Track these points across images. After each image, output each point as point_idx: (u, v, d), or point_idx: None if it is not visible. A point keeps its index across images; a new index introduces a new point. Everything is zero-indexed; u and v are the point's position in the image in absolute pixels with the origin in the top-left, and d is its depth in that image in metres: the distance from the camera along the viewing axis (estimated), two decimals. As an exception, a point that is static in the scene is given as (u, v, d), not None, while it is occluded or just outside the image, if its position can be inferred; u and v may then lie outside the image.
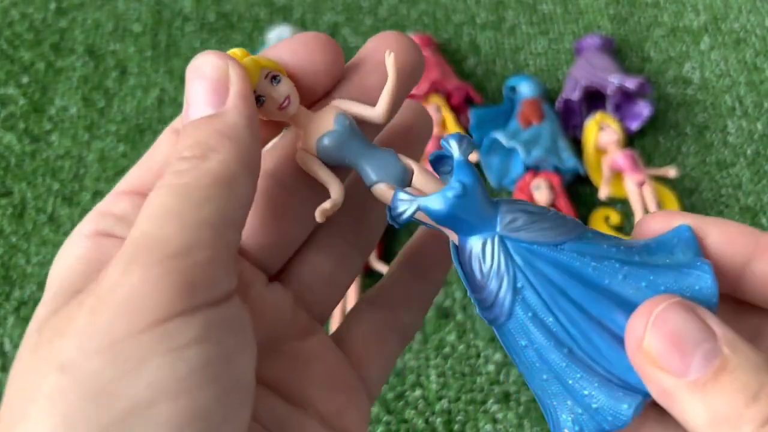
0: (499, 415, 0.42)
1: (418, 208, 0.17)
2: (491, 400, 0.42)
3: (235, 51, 0.18)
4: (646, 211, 0.48)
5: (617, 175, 0.49)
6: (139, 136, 0.53)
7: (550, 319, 0.17)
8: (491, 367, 0.43)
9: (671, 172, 0.49)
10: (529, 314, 0.17)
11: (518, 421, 0.41)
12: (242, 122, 0.16)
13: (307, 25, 0.59)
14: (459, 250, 0.18)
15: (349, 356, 0.20)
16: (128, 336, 0.13)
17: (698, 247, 0.17)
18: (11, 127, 0.54)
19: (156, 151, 0.19)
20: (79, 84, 0.56)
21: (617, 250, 0.17)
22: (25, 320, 0.45)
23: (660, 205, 0.48)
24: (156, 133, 0.53)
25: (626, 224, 0.49)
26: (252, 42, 0.58)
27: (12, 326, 0.45)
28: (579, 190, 0.50)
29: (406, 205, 0.17)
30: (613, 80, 0.50)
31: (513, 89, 0.52)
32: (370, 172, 0.18)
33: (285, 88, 0.18)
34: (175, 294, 0.14)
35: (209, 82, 0.17)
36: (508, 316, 0.17)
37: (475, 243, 0.17)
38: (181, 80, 0.56)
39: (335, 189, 0.18)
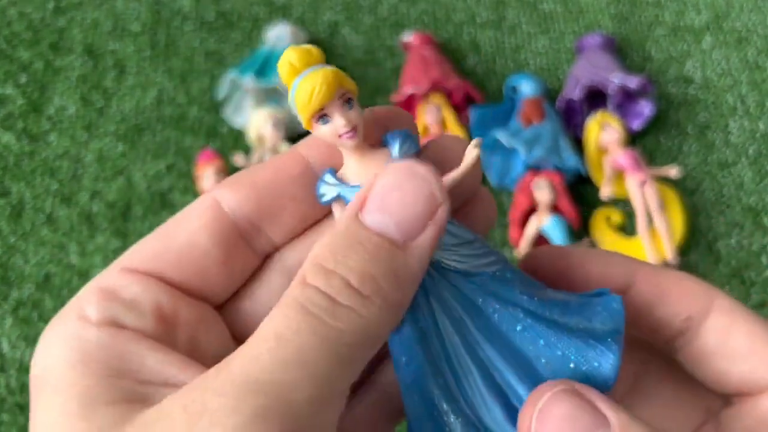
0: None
1: (338, 195, 0.16)
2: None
3: (311, 49, 0.16)
4: (647, 211, 0.47)
5: (619, 174, 0.49)
6: (137, 136, 0.53)
7: (437, 346, 0.16)
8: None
9: (673, 171, 0.48)
10: (417, 334, 0.16)
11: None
12: (422, 267, 0.14)
13: (306, 23, 0.59)
14: None
15: None
16: None
17: (621, 322, 0.16)
18: (9, 127, 0.53)
19: (182, 225, 0.16)
20: (77, 83, 0.55)
21: (529, 300, 0.16)
22: (23, 321, 0.45)
23: (662, 205, 0.48)
24: (155, 133, 0.53)
25: (628, 224, 0.49)
26: (251, 41, 0.58)
27: (10, 327, 0.45)
28: (580, 190, 0.50)
29: (327, 189, 0.16)
30: (615, 79, 0.49)
31: (514, 88, 0.52)
32: None
33: (355, 115, 0.16)
34: None
35: (415, 204, 0.14)
36: (398, 328, 0.16)
37: None
38: (181, 79, 0.56)
39: None
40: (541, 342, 0.16)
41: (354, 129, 0.16)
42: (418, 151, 0.17)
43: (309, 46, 0.16)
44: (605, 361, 0.15)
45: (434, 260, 0.16)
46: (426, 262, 0.14)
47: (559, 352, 0.16)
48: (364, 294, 0.13)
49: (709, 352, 0.17)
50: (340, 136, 0.16)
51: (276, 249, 0.17)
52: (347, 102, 0.16)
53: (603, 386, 0.15)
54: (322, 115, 0.16)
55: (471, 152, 0.16)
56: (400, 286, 0.14)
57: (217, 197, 0.16)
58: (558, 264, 0.18)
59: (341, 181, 0.16)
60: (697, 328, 0.17)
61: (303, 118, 0.16)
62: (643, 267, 0.18)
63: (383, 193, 0.14)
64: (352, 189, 0.16)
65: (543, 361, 0.16)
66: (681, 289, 0.17)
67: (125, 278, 0.15)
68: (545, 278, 0.18)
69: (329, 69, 0.16)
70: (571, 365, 0.16)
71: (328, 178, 0.17)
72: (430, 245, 0.14)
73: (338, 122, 0.15)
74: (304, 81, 0.15)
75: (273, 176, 0.16)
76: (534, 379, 0.16)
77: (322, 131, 0.16)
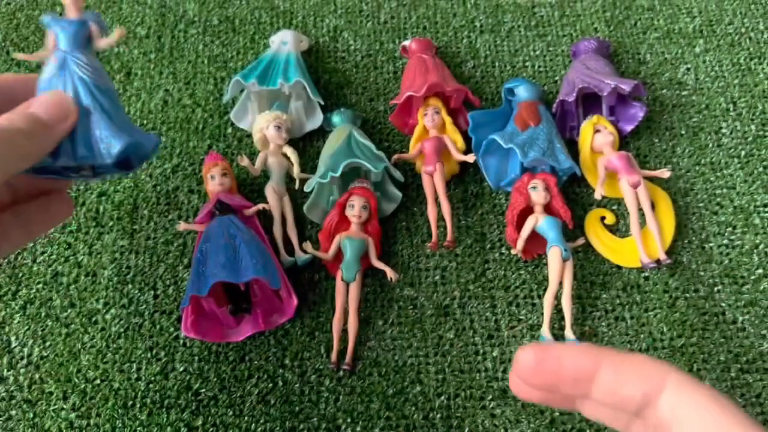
0: (497, 411, 0.43)
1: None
2: (489, 397, 0.43)
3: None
4: (640, 211, 0.48)
5: (612, 175, 0.50)
6: (143, 138, 0.53)
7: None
8: (489, 364, 0.44)
9: (666, 173, 0.49)
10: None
11: (515, 417, 0.42)
12: (54, 141, 0.29)
13: (308, 28, 0.60)
14: None
15: None
16: None
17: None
18: (17, 129, 0.54)
19: None
20: (84, 86, 0.56)
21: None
22: (31, 318, 0.46)
23: (654, 206, 0.49)
24: (160, 135, 0.54)
25: (621, 224, 0.50)
26: (255, 45, 0.59)
27: (18, 324, 0.46)
28: (576, 191, 0.51)
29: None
30: (609, 82, 0.50)
31: (511, 92, 0.53)
32: None
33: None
34: None
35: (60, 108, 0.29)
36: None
37: None
38: (186, 82, 0.57)
39: None
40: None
41: None
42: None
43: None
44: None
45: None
46: (54, 142, 0.29)
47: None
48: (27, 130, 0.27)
49: (664, 424, 0.20)
50: None
51: None
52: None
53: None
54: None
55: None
56: (40, 140, 0.28)
57: None
58: (540, 366, 0.22)
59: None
60: (653, 404, 0.20)
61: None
62: (607, 354, 0.21)
63: (42, 100, 0.29)
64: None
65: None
66: (638, 369, 0.20)
67: None
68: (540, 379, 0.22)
69: None
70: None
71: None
72: (63, 134, 0.29)
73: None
74: None
75: None
76: None
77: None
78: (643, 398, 0.20)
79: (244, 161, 0.49)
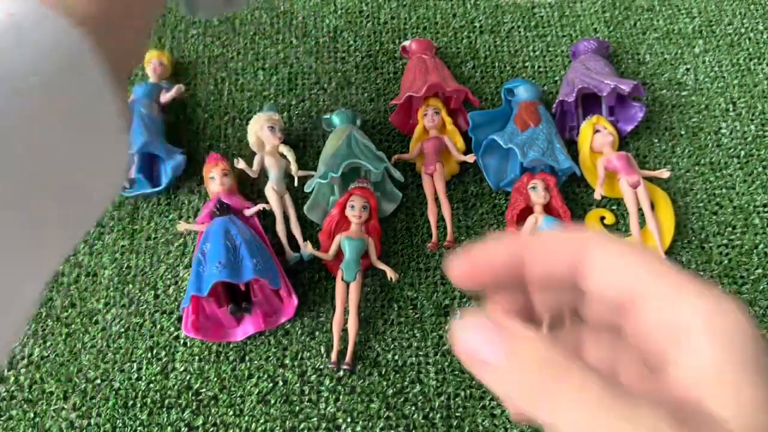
0: (497, 411, 0.43)
1: None
2: (489, 397, 0.43)
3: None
4: (640, 211, 0.49)
5: (612, 176, 0.50)
6: (143, 138, 0.54)
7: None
8: (489, 364, 0.44)
9: (665, 173, 0.49)
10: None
11: (515, 416, 0.42)
12: None
13: (308, 28, 0.60)
14: None
15: None
16: None
17: None
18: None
19: None
20: (84, 87, 0.56)
21: None
22: (32, 318, 0.46)
23: (653, 206, 0.49)
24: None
25: (621, 224, 0.50)
26: (255, 45, 0.59)
27: (20, 324, 0.46)
28: (575, 191, 0.51)
29: None
30: (608, 83, 0.50)
31: (510, 92, 0.53)
32: None
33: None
34: None
35: None
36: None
37: None
38: (186, 83, 0.57)
39: None
40: None
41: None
42: None
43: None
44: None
45: None
46: None
47: None
48: None
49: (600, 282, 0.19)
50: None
51: None
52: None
53: None
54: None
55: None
56: None
57: None
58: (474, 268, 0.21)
59: None
60: (583, 271, 0.19)
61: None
62: (530, 240, 0.20)
63: None
64: None
65: None
66: (556, 244, 0.19)
67: None
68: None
69: None
70: None
71: None
72: None
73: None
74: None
75: None
76: None
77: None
78: (570, 270, 0.19)
79: (241, 164, 0.49)
